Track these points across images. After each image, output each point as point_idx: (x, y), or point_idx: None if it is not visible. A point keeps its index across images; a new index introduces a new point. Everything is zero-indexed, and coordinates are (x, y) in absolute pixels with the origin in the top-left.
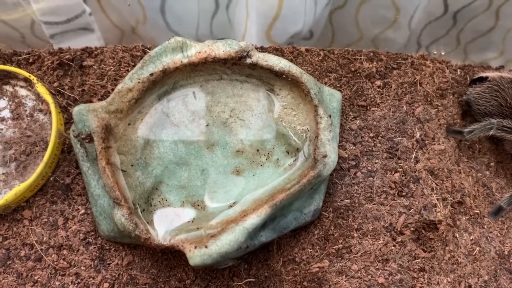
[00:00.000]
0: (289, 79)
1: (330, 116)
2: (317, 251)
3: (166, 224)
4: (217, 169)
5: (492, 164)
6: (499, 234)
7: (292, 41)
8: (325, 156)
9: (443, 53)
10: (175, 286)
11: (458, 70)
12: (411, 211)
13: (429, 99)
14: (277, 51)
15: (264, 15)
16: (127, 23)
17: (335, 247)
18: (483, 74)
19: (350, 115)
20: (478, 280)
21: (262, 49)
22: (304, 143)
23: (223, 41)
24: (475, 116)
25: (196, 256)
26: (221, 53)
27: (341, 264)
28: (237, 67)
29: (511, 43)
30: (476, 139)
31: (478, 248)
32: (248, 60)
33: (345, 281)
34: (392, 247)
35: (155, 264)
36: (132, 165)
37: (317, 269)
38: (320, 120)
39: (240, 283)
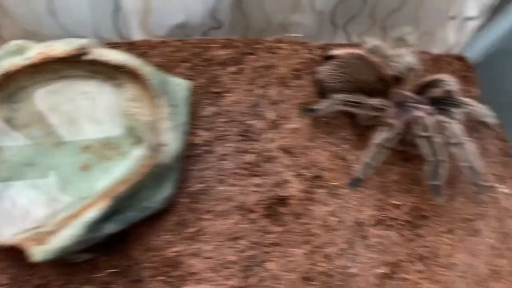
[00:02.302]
0: (129, 72)
1: (174, 105)
2: (173, 237)
3: (14, 225)
4: (67, 167)
5: (350, 137)
6: (356, 203)
7: (186, 32)
8: (164, 145)
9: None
10: (37, 284)
11: (319, 50)
12: (262, 189)
13: (284, 81)
14: (130, 45)
15: (135, 10)
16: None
17: (189, 230)
18: (334, 52)
19: (204, 102)
20: (335, 249)
21: (116, 45)
22: (148, 133)
23: (65, 40)
24: (328, 94)
25: (37, 253)
26: (61, 52)
27: (195, 247)
28: (79, 64)
29: (423, 15)
30: (332, 115)
31: (335, 219)
32: (88, 57)
33: (199, 262)
34: (244, 225)
35: (15, 264)
36: None
37: (174, 254)
38: (160, 110)
39: (102, 275)
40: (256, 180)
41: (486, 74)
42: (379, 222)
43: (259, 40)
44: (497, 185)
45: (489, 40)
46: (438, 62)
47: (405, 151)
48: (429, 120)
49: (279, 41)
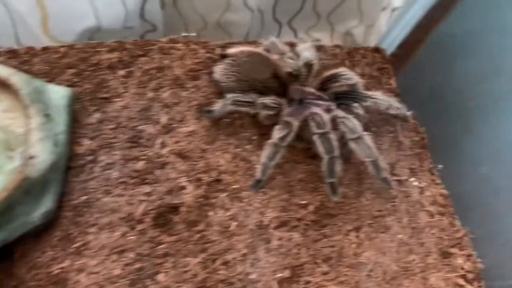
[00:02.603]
0: (0, 83)
1: (48, 115)
2: (58, 252)
3: None
4: None
5: (254, 137)
6: (259, 205)
7: (105, 36)
8: (32, 157)
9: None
10: None
11: (219, 49)
12: (152, 197)
13: (179, 82)
14: (11, 53)
15: (31, 17)
16: None
17: (74, 245)
18: (228, 51)
19: (89, 109)
20: (236, 255)
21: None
22: (21, 146)
23: None
24: (224, 94)
25: None
26: None
27: (81, 262)
28: None
29: (366, 8)
30: (235, 115)
31: (235, 223)
32: None
33: (84, 278)
34: (132, 237)
35: None
36: None
37: (59, 270)
38: (30, 121)
39: None
40: (146, 189)
41: (403, 65)
42: (283, 224)
43: (152, 41)
44: (408, 178)
45: (405, 30)
46: (353, 55)
47: (311, 148)
48: (325, 116)
49: (174, 41)
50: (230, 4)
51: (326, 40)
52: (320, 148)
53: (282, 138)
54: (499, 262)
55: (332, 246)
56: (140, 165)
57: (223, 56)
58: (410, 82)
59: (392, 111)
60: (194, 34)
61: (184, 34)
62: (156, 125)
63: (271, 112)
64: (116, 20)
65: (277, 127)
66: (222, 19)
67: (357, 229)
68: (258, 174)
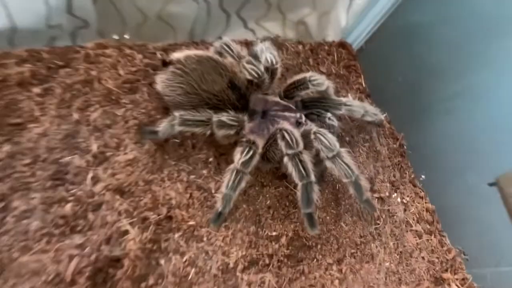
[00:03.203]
0: None
1: None
2: None
3: None
4: None
5: (211, 159)
6: (222, 244)
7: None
8: None
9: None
10: None
11: (158, 53)
12: (86, 250)
13: (112, 98)
14: None
15: None
16: None
17: None
18: (172, 56)
19: None
20: None
21: None
22: None
23: None
24: (171, 109)
25: None
26: None
27: None
28: None
29: None
30: (187, 134)
31: (194, 270)
32: None
33: None
34: None
35: None
36: None
37: None
38: None
39: None
40: (77, 239)
41: (369, 61)
42: (252, 263)
43: (74, 48)
44: (390, 194)
45: (370, 24)
46: (316, 52)
47: (279, 168)
48: (295, 133)
49: (102, 46)
50: None
51: (277, 30)
52: (292, 173)
53: (245, 163)
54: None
55: (312, 286)
56: (67, 209)
57: (166, 63)
58: (379, 80)
59: (368, 118)
60: (127, 36)
61: (115, 36)
62: (85, 155)
63: (230, 132)
64: (36, 18)
65: (238, 149)
66: (164, 11)
67: (338, 261)
68: (218, 205)
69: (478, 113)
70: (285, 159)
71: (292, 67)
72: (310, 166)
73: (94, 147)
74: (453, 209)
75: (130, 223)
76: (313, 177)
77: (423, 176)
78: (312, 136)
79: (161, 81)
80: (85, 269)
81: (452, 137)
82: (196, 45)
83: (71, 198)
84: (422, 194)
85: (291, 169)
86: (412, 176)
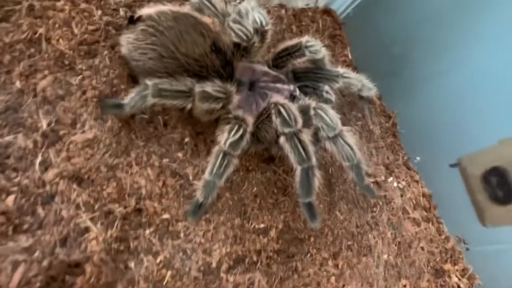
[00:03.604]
0: None
1: None
2: None
3: None
4: None
5: (187, 139)
6: (203, 240)
7: None
8: None
9: None
10: None
11: (121, 10)
12: (36, 254)
13: (65, 63)
14: None
15: None
16: None
17: None
18: (142, 11)
19: None
20: None
21: None
22: None
23: None
24: (139, 77)
25: None
26: None
27: None
28: None
29: None
30: (157, 109)
31: (170, 272)
32: None
33: None
34: None
35: None
36: None
37: None
38: None
39: None
40: (24, 241)
41: (356, 30)
42: (238, 262)
43: None
44: (386, 178)
45: None
46: (300, 18)
47: (266, 149)
48: (292, 107)
49: None
50: None
51: None
52: (290, 155)
53: (234, 144)
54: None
55: (306, 285)
56: (9, 202)
57: (134, 19)
58: (366, 51)
59: (365, 93)
60: None
61: None
62: (32, 134)
63: (216, 106)
64: None
65: (225, 127)
66: None
67: (334, 255)
68: (198, 195)
69: (470, 88)
70: (282, 139)
71: (274, 34)
72: (311, 147)
73: (43, 124)
74: (447, 191)
75: (91, 219)
76: (314, 160)
77: (418, 158)
78: (312, 112)
79: (128, 42)
80: (34, 279)
81: (444, 114)
82: (166, 1)
83: (14, 189)
84: (417, 177)
85: (289, 150)
86: (405, 158)
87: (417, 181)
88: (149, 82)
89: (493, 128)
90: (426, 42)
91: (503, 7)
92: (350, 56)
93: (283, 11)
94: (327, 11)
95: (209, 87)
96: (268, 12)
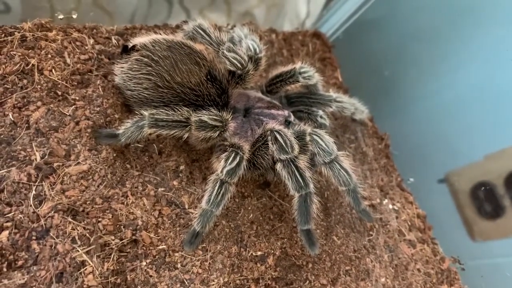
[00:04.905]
0: None
1: None
2: None
3: None
4: None
5: (182, 167)
6: (200, 270)
7: None
8: None
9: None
10: None
11: (113, 38)
12: None
13: (58, 93)
14: None
15: None
16: None
17: None
18: (135, 40)
19: None
20: None
21: None
22: None
23: None
24: (134, 107)
25: None
26: None
27: None
28: None
29: None
30: (151, 137)
31: None
32: None
33: None
34: None
35: None
36: None
37: None
38: None
39: None
40: (18, 278)
41: (346, 53)
42: None
43: (7, 29)
44: (381, 201)
45: (345, 13)
46: (290, 42)
47: (262, 175)
48: (288, 134)
49: (44, 27)
50: None
51: (222, 21)
52: (288, 182)
53: (231, 172)
54: None
55: None
56: (3, 238)
57: (127, 49)
58: (356, 73)
59: (357, 116)
60: (74, 15)
61: (59, 16)
62: (25, 167)
63: (212, 134)
64: None
65: (223, 155)
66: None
67: (333, 281)
68: (195, 224)
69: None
70: (278, 165)
71: (266, 59)
72: (308, 173)
73: (37, 157)
74: (441, 211)
75: (87, 252)
76: (312, 187)
77: (411, 179)
78: (308, 138)
79: (122, 71)
80: None
81: (433, 133)
82: (158, 28)
83: (7, 224)
84: (411, 198)
85: (286, 177)
86: (399, 179)
87: (411, 202)
88: (145, 112)
89: (479, 143)
90: (415, 63)
91: (490, 28)
92: (340, 78)
93: (273, 36)
94: (316, 35)
95: (206, 116)
96: (260, 38)
